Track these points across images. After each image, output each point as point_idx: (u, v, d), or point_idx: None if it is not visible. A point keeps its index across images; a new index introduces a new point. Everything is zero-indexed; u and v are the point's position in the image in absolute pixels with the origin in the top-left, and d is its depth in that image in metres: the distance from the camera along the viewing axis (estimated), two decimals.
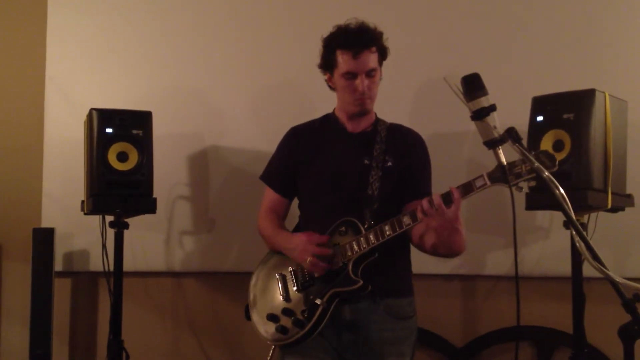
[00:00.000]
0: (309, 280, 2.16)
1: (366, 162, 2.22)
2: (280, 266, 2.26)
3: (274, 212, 2.39)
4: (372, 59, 2.18)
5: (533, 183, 1.80)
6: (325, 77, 2.30)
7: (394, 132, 2.31)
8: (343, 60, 2.18)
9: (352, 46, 2.15)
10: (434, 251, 2.13)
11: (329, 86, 2.32)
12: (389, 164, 2.22)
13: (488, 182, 1.87)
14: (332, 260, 2.13)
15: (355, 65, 2.16)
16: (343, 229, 2.14)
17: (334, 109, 2.37)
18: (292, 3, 3.32)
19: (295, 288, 2.19)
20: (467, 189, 1.92)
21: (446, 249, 2.08)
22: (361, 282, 2.07)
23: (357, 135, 2.30)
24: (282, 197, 2.39)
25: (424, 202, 1.94)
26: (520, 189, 1.70)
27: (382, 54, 2.24)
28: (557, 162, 1.66)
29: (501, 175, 1.81)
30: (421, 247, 2.18)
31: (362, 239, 2.08)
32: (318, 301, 2.09)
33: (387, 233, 2.04)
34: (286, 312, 2.17)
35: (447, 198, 1.91)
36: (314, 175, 2.29)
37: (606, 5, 3.01)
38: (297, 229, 2.37)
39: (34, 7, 3.44)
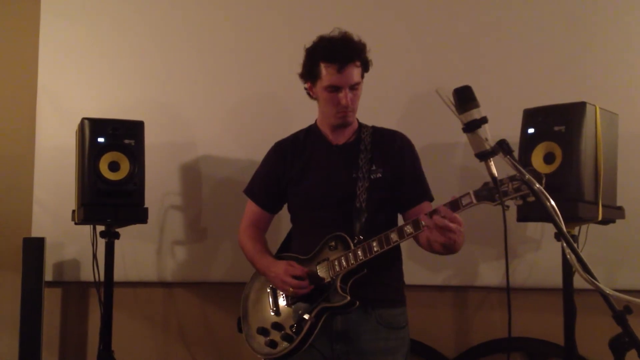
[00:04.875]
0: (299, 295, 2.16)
1: (353, 175, 2.21)
2: None
3: (255, 227, 2.40)
4: (356, 72, 2.17)
5: (520, 202, 1.80)
6: (306, 85, 2.28)
7: (378, 138, 2.29)
8: (327, 73, 2.16)
9: (337, 60, 2.13)
10: (437, 252, 2.11)
11: (309, 95, 2.30)
12: (379, 175, 2.21)
13: (474, 201, 1.88)
14: (319, 278, 2.13)
15: (340, 79, 2.15)
16: (333, 243, 2.14)
17: (316, 120, 2.36)
18: (293, 5, 3.33)
19: (284, 302, 2.20)
20: (453, 206, 1.92)
21: (449, 251, 2.04)
22: (348, 298, 2.07)
23: (341, 148, 2.29)
24: (265, 211, 2.40)
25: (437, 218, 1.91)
26: (507, 207, 1.69)
27: (365, 67, 2.23)
28: (543, 181, 1.66)
29: (487, 193, 1.85)
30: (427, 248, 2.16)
31: (350, 254, 2.08)
32: (306, 316, 2.10)
33: (375, 249, 2.04)
34: (275, 326, 2.18)
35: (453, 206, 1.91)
36: (303, 192, 2.29)
37: (598, 18, 3.03)
38: (288, 240, 2.38)
39: (26, 16, 3.44)
